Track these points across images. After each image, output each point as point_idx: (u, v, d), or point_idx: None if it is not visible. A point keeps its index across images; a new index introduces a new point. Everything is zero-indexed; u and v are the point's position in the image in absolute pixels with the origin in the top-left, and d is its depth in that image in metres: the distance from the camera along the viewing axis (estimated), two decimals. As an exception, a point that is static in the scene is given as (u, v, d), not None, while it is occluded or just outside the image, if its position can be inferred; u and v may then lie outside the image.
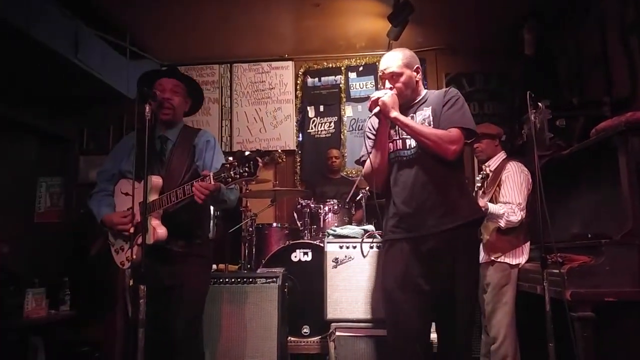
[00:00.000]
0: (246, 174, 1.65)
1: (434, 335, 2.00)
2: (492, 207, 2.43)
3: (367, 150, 2.04)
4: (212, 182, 1.74)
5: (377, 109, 1.88)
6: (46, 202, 4.60)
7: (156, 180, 1.94)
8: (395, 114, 1.87)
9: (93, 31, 3.80)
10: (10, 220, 4.49)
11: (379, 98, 1.88)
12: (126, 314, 2.05)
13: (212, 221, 3.54)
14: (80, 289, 3.68)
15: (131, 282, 1.80)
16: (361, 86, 4.66)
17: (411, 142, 1.94)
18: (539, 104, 2.56)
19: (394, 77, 1.95)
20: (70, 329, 3.65)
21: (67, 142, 4.64)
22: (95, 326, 3.81)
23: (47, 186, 4.62)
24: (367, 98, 4.52)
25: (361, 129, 4.54)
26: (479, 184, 2.33)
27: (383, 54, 2.05)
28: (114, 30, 4.04)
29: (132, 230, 1.92)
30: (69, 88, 4.00)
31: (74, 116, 4.56)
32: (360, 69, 4.67)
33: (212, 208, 2.93)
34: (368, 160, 1.99)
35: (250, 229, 3.37)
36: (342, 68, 4.70)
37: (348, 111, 4.66)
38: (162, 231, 1.89)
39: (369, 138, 2.07)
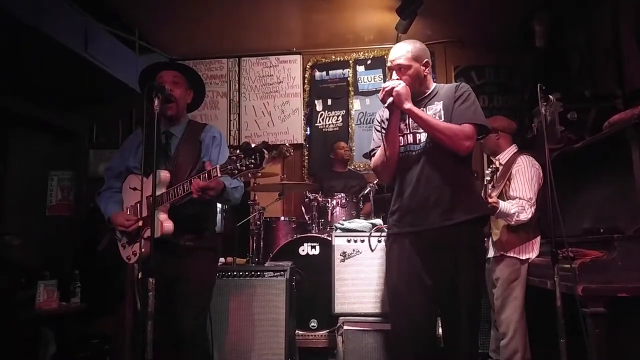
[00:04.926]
0: (252, 165, 1.64)
1: (440, 330, 1.99)
2: (503, 205, 2.39)
3: (376, 143, 2.03)
4: (219, 175, 1.74)
5: (390, 100, 1.85)
6: (57, 196, 4.65)
7: (164, 175, 1.96)
8: (409, 105, 1.85)
9: (102, 26, 3.82)
10: (22, 213, 4.56)
11: (392, 88, 1.85)
12: (135, 307, 2.06)
13: (220, 215, 3.56)
14: (90, 281, 3.72)
15: (140, 275, 1.81)
16: (369, 79, 4.63)
17: (421, 137, 1.92)
18: (550, 96, 2.51)
19: (401, 69, 1.93)
20: (81, 321, 3.70)
21: (78, 137, 4.68)
22: (105, 319, 3.86)
23: (58, 180, 4.68)
24: (375, 91, 4.57)
25: (369, 123, 4.52)
26: (488, 178, 2.30)
27: (391, 47, 2.03)
28: (123, 25, 4.06)
29: (140, 223, 1.94)
30: (79, 83, 4.02)
31: (84, 111, 4.59)
32: (369, 62, 4.64)
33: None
34: (378, 153, 1.97)
35: (258, 222, 3.38)
36: (350, 61, 4.67)
37: (356, 105, 4.63)
38: (168, 225, 1.91)
39: (378, 131, 2.05)
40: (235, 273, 2.80)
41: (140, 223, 1.94)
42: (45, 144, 4.82)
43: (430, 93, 2.00)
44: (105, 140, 4.65)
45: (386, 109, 1.94)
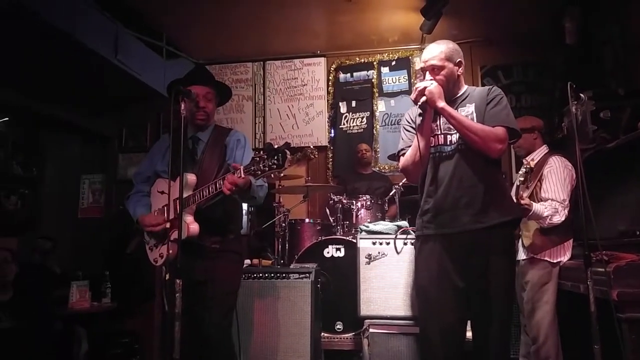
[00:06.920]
0: (275, 166, 1.67)
1: (469, 334, 1.95)
2: (536, 207, 2.32)
3: (405, 142, 2.01)
4: (243, 175, 1.77)
5: (423, 99, 1.84)
6: (89, 198, 4.80)
7: (191, 178, 2.00)
8: (442, 104, 1.85)
9: (131, 32, 3.93)
10: (57, 216, 4.73)
11: (425, 88, 1.85)
12: (163, 308, 2.10)
13: (246, 217, 3.61)
14: (120, 282, 3.82)
15: (167, 277, 1.84)
16: (394, 81, 4.59)
17: (452, 138, 1.91)
18: (581, 95, 2.44)
19: (434, 69, 1.92)
20: (111, 320, 3.80)
21: (108, 140, 4.82)
22: (134, 318, 3.96)
23: (89, 183, 4.82)
24: (400, 92, 4.55)
25: (394, 124, 4.48)
26: (522, 178, 2.24)
27: (416, 48, 2.03)
28: (151, 30, 4.16)
29: (167, 225, 1.97)
30: (109, 88, 4.15)
31: (113, 115, 4.72)
32: (393, 63, 4.60)
33: (244, 204, 2.98)
34: (408, 153, 1.96)
35: (283, 224, 3.40)
36: (375, 63, 4.64)
37: (380, 106, 4.60)
38: (194, 227, 1.94)
39: (407, 130, 2.04)
40: (260, 275, 2.82)
41: (168, 225, 1.98)
42: (76, 148, 4.98)
43: (462, 94, 1.99)
44: (133, 144, 4.76)
45: (416, 109, 1.92)
